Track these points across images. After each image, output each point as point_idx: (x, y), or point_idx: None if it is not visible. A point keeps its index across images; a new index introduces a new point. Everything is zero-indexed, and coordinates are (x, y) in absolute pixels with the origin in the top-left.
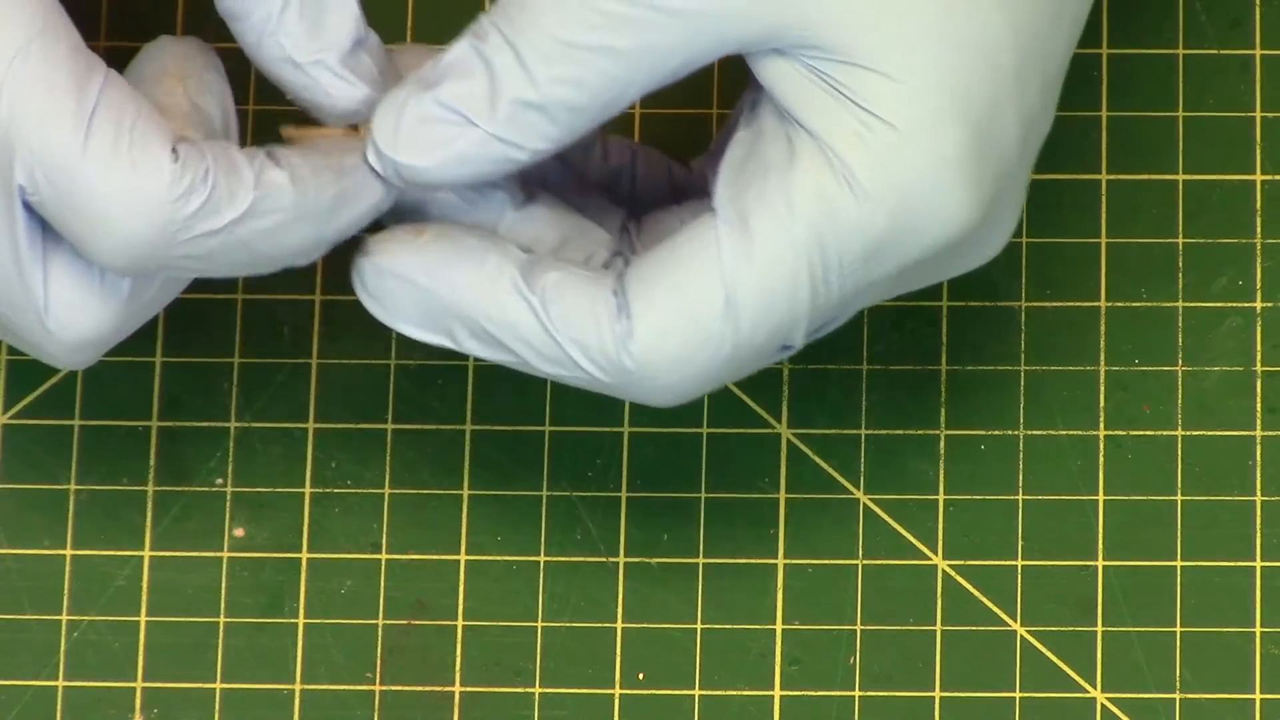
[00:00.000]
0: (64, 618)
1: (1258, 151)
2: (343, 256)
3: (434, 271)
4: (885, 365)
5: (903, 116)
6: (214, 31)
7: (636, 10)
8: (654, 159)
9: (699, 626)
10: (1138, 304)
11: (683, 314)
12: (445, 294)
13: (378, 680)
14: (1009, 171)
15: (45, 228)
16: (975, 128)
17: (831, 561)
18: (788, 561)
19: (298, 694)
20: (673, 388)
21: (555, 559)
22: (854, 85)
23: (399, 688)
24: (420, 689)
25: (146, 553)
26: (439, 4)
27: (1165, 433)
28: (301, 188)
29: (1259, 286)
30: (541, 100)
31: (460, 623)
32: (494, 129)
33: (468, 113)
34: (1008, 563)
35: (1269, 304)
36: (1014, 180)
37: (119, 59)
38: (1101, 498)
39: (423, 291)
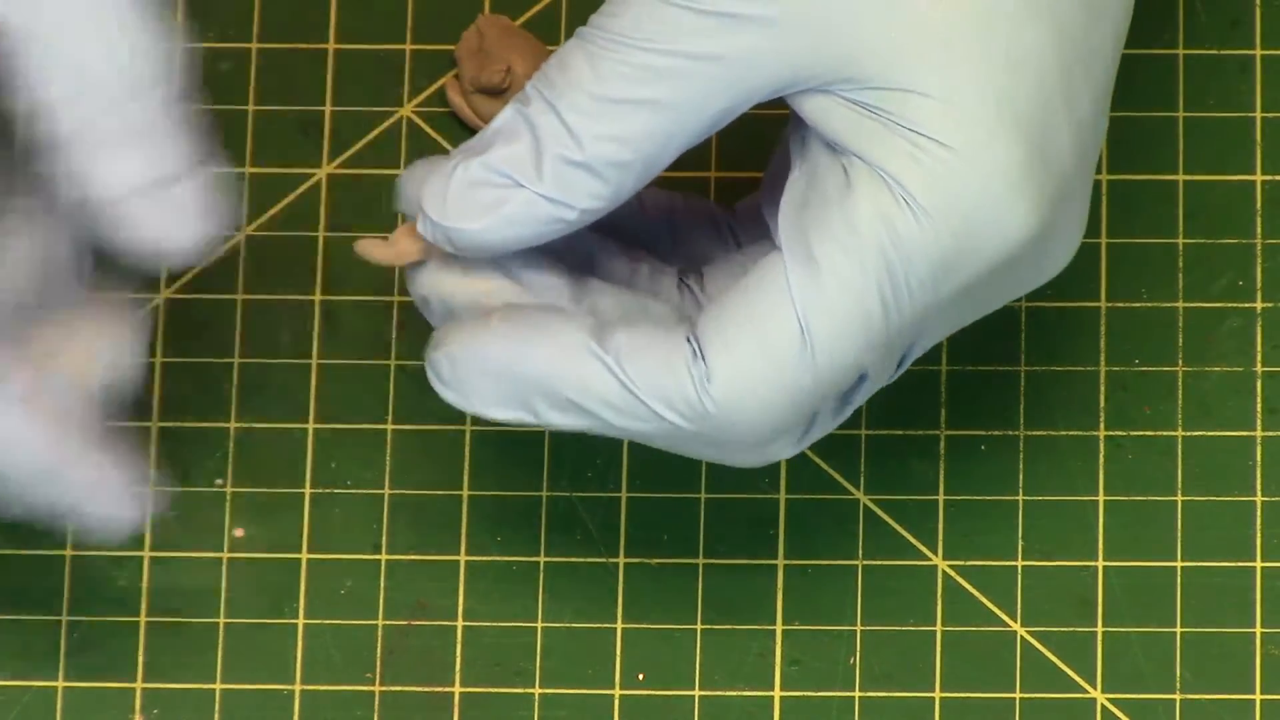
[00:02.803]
0: (64, 618)
1: (1258, 151)
2: (342, 256)
3: (508, 350)
4: None
5: (953, 134)
6: None
7: (673, 61)
8: (695, 206)
9: (699, 627)
10: (1138, 304)
11: (758, 350)
12: (522, 370)
13: (377, 681)
14: (1066, 181)
15: None
16: (1027, 139)
17: (831, 562)
18: (788, 562)
19: (297, 694)
20: (755, 428)
21: (555, 559)
22: (898, 110)
23: (399, 688)
24: (420, 689)
25: (146, 553)
26: (439, 4)
27: (1165, 433)
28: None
29: (1259, 286)
30: (586, 158)
31: (460, 623)
32: (541, 189)
33: (514, 174)
34: (1008, 563)
35: (1269, 304)
36: (1073, 189)
37: None
38: (1101, 498)
39: (499, 372)
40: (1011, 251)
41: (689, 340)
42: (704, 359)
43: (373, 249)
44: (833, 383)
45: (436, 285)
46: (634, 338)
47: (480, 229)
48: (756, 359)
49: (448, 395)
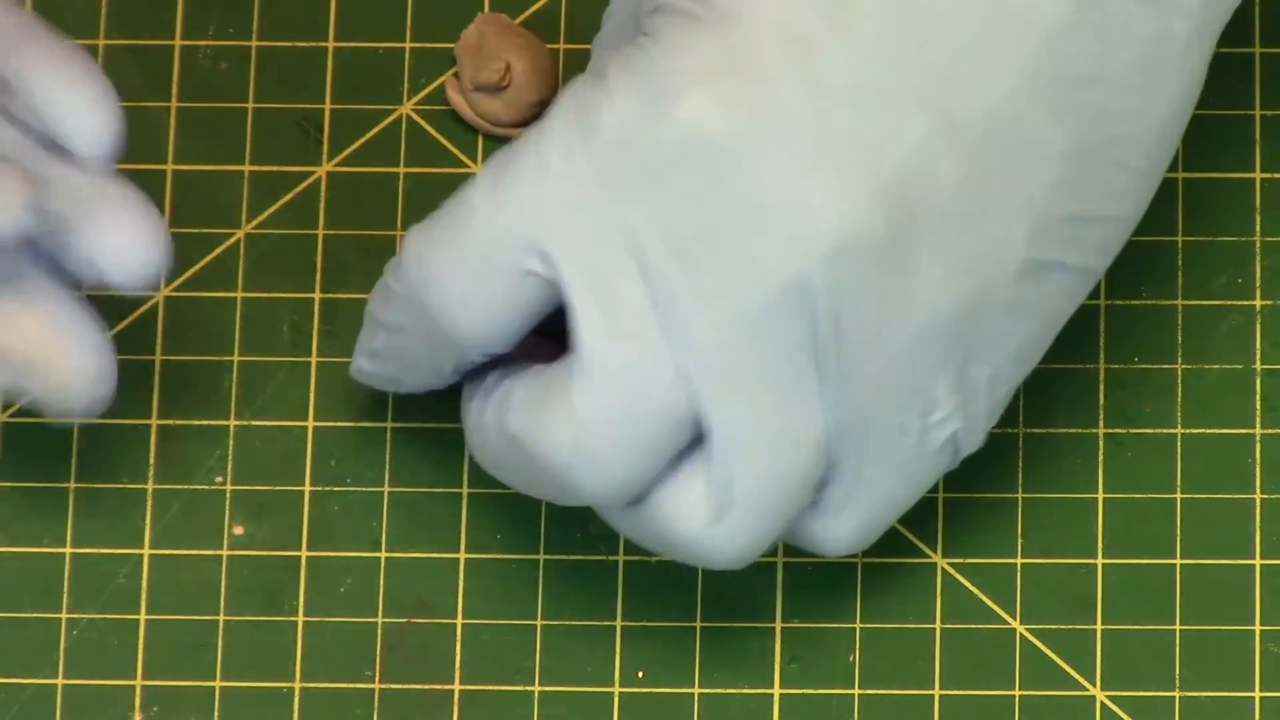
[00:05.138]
0: (63, 615)
1: (1257, 150)
2: (342, 255)
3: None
4: None
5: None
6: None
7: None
8: None
9: (698, 624)
10: (1137, 302)
11: (444, 204)
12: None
13: (377, 679)
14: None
15: None
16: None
17: (831, 560)
18: (787, 559)
19: (297, 692)
20: (441, 277)
21: (555, 557)
22: None
23: (398, 686)
24: (420, 687)
25: (146, 551)
26: (439, 2)
27: (1165, 431)
28: None
29: (1259, 284)
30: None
31: (460, 621)
32: None
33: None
34: (1007, 561)
35: (1269, 302)
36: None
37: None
38: (1101, 496)
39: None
40: (692, 134)
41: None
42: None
43: None
44: (497, 242)
45: None
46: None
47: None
48: (439, 210)
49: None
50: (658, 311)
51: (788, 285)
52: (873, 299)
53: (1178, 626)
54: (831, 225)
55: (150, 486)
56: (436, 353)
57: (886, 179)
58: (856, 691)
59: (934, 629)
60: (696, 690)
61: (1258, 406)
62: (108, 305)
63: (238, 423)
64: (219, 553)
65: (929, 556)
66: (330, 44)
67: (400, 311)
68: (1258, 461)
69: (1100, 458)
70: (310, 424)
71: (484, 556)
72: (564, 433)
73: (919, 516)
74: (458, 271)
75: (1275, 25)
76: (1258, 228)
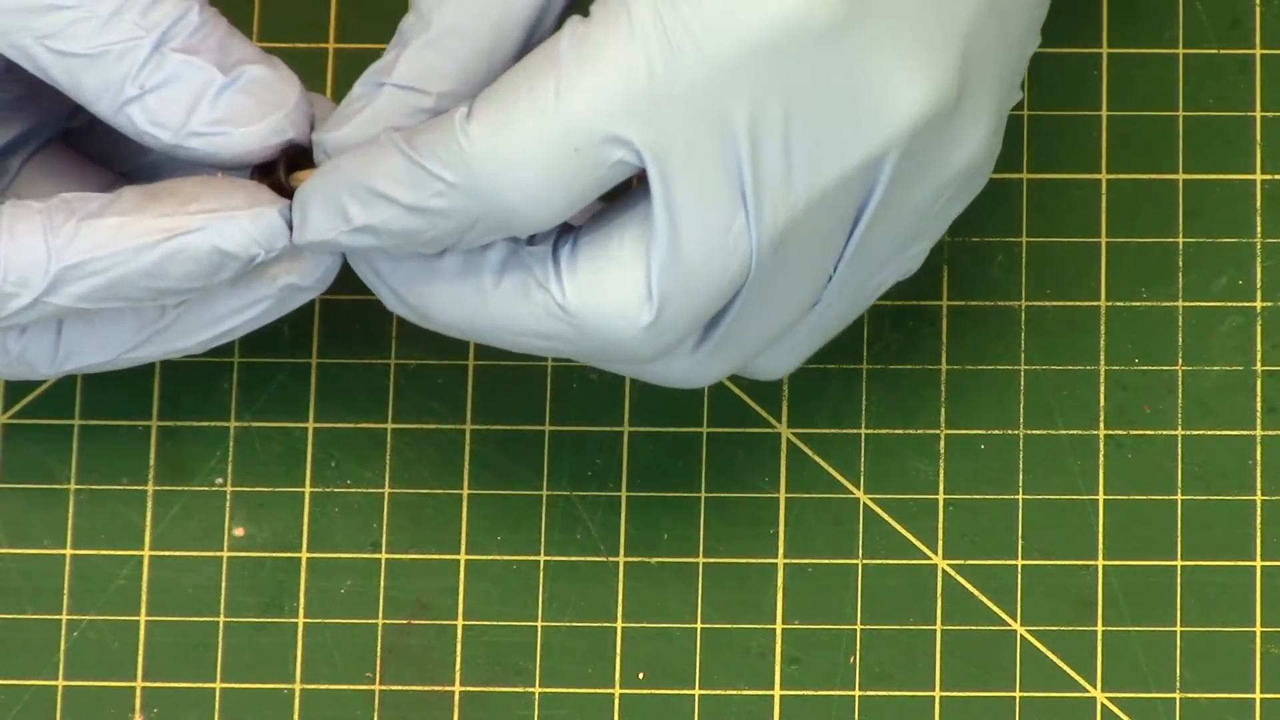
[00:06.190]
0: (64, 617)
1: (1258, 151)
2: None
3: (331, 167)
4: (885, 365)
5: None
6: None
7: None
8: None
9: (699, 626)
10: (1138, 304)
11: (513, 89)
12: (336, 177)
13: (377, 680)
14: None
15: None
16: None
17: (831, 561)
18: (788, 561)
19: (297, 693)
20: (521, 182)
21: (555, 559)
22: None
23: (399, 687)
24: (420, 689)
25: (146, 552)
26: None
27: (1165, 432)
28: (114, 250)
29: (1259, 286)
30: (432, 37)
31: (460, 622)
32: (395, 80)
33: (378, 77)
34: (1008, 562)
35: (1269, 303)
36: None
37: None
38: (1101, 497)
39: (324, 190)
40: (794, 24)
41: (468, 107)
42: (471, 109)
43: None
44: (585, 134)
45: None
46: (429, 123)
47: (346, 132)
48: (511, 98)
49: (298, 237)
50: (736, 188)
51: (866, 160)
52: (920, 167)
53: (1178, 628)
54: (919, 102)
55: (150, 487)
56: (472, 234)
57: (959, 52)
58: (857, 693)
59: (934, 630)
60: (697, 692)
61: (1258, 408)
62: None
63: (238, 423)
64: (219, 554)
65: (929, 557)
66: (330, 44)
67: (450, 198)
68: (1258, 463)
69: (1101, 459)
70: (310, 425)
71: (484, 557)
72: (644, 315)
73: (920, 518)
74: (541, 164)
75: (1275, 27)
76: (1258, 229)
